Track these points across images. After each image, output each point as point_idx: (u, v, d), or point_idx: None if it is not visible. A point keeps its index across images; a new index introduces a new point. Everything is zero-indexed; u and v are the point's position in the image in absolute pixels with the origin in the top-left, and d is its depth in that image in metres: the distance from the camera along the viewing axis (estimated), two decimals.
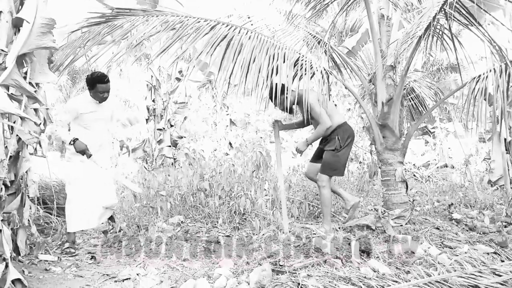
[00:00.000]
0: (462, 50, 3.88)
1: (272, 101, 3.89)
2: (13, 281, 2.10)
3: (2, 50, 2.33)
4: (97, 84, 3.43)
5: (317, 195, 5.78)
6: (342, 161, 3.97)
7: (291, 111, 4.10)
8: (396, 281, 2.57)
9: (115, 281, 2.75)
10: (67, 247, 3.42)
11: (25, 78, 2.36)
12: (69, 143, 3.38)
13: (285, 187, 5.15)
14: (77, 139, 3.39)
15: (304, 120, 4.08)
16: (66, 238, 3.57)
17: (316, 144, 4.29)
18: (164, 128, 7.58)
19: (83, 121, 3.50)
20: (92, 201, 3.47)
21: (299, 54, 3.78)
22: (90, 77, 3.46)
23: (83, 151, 3.42)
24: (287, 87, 3.63)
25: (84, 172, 3.46)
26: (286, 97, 3.69)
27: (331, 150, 3.91)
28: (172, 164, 7.34)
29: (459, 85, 4.29)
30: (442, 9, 3.42)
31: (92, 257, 3.22)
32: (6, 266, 2.09)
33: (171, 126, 7.77)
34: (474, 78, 4.10)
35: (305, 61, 3.66)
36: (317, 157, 4.15)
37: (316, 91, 3.80)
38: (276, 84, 3.68)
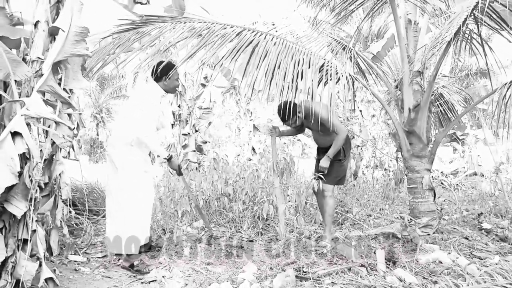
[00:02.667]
0: (493, 55, 3.78)
1: (282, 120, 3.83)
2: (46, 280, 2.18)
3: (39, 58, 2.44)
4: (173, 70, 3.29)
5: (341, 201, 5.73)
6: (345, 170, 4.01)
7: (297, 125, 4.00)
8: None
9: (142, 283, 2.81)
10: (139, 269, 3.07)
11: (59, 84, 2.45)
12: (164, 158, 3.22)
13: (308, 193, 5.13)
14: (171, 156, 3.24)
15: (300, 127, 4.11)
16: (126, 258, 3.11)
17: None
18: (189, 133, 7.67)
19: (150, 116, 3.15)
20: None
21: (324, 59, 3.78)
22: (166, 65, 3.24)
23: (179, 169, 3.33)
24: (299, 105, 3.65)
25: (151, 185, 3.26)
26: (299, 117, 3.74)
27: (337, 160, 3.86)
28: (196, 168, 7.42)
29: (489, 91, 4.18)
30: (472, 14, 3.35)
31: (120, 259, 3.28)
32: (40, 265, 2.17)
33: (196, 131, 7.87)
34: (506, 84, 3.98)
35: (330, 66, 3.65)
36: (318, 171, 4.00)
37: (324, 103, 3.82)
38: (286, 103, 3.65)
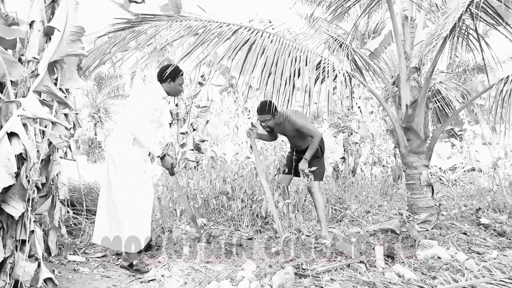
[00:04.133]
0: (490, 51, 3.78)
1: (258, 113, 3.93)
2: (44, 280, 2.17)
3: (35, 58, 2.43)
4: (179, 75, 3.31)
5: (339, 198, 5.74)
6: (325, 166, 4.22)
7: (271, 130, 4.13)
8: (422, 287, 2.53)
9: (141, 282, 2.81)
10: (138, 268, 3.04)
11: (55, 84, 2.45)
12: (158, 156, 3.22)
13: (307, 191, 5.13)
14: (165, 154, 3.26)
15: (274, 133, 4.31)
16: (126, 257, 3.09)
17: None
18: (187, 132, 7.67)
19: (145, 114, 3.12)
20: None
21: (321, 57, 3.78)
22: (172, 68, 3.24)
23: (172, 169, 3.36)
24: (275, 106, 3.72)
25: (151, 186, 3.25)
26: (274, 116, 3.85)
27: (317, 157, 4.02)
28: (194, 167, 7.42)
29: (486, 86, 4.18)
30: (468, 10, 3.35)
31: (119, 258, 3.28)
32: (39, 265, 2.16)
33: (194, 130, 7.86)
34: (502, 79, 3.99)
35: (327, 63, 3.65)
36: (290, 168, 4.20)
37: (296, 110, 4.01)
38: (267, 102, 3.78)
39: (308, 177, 3.92)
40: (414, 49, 4.37)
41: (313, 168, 3.91)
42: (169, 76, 3.27)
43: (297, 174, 4.23)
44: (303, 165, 3.95)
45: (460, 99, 5.52)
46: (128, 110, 3.22)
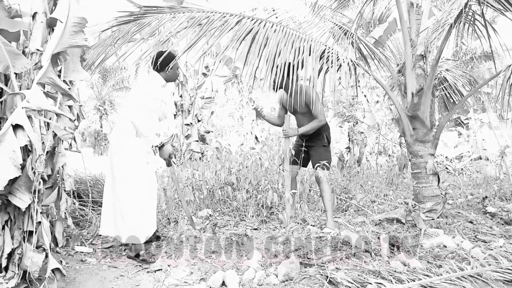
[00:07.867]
0: (497, 37, 3.72)
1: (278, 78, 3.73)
2: (52, 271, 2.20)
3: (38, 50, 2.43)
4: (173, 60, 3.29)
5: (345, 188, 5.73)
6: (331, 156, 4.20)
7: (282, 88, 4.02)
8: (427, 275, 2.52)
9: (148, 272, 2.84)
10: (145, 259, 3.06)
11: (59, 76, 2.45)
12: (156, 146, 3.17)
13: (312, 180, 5.13)
14: (163, 144, 3.21)
15: (283, 117, 4.24)
16: (132, 248, 3.12)
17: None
18: (191, 123, 7.68)
19: (145, 104, 3.13)
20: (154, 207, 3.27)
21: (325, 46, 3.74)
22: (167, 54, 3.22)
23: (169, 159, 3.32)
24: (293, 68, 3.57)
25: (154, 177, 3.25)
26: (287, 77, 3.65)
27: (324, 146, 4.04)
28: (200, 158, 7.44)
29: (494, 74, 4.12)
30: None
31: (126, 249, 3.31)
32: (46, 256, 2.19)
33: (198, 121, 7.86)
34: (510, 66, 3.94)
35: (332, 52, 3.61)
36: (297, 159, 4.17)
37: (315, 90, 3.94)
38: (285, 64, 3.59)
39: (318, 167, 3.91)
40: (420, 37, 4.31)
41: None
42: (165, 63, 3.25)
43: (305, 164, 4.23)
44: (290, 132, 3.95)
45: (467, 87, 5.46)
46: (129, 100, 3.24)
